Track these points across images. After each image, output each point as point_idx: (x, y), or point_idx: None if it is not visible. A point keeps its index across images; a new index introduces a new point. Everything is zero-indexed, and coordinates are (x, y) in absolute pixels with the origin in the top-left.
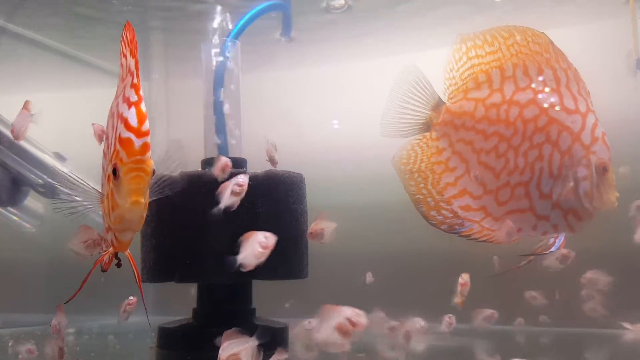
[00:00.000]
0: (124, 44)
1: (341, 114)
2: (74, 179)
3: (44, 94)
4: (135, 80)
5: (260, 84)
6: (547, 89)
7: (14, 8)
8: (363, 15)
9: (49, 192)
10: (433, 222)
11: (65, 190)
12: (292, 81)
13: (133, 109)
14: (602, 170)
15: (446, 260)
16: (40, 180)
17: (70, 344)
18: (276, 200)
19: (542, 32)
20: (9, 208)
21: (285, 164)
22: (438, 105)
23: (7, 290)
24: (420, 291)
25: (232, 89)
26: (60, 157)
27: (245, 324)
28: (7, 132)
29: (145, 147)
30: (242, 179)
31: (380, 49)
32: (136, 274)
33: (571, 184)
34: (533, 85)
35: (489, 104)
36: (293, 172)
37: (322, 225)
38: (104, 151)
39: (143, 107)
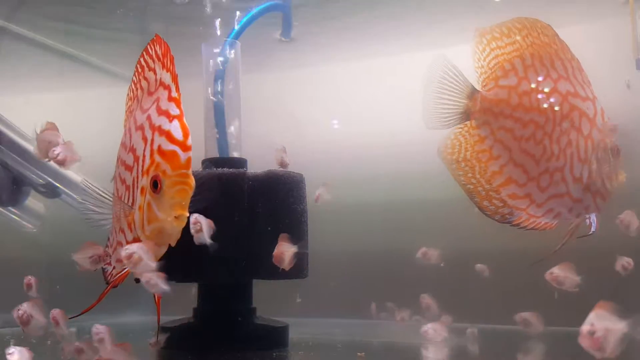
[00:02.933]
0: (151, 58)
1: (341, 114)
2: (101, 193)
3: (45, 94)
4: (174, 94)
5: (261, 84)
6: (562, 78)
7: (15, 8)
8: (363, 15)
9: (49, 192)
10: (487, 212)
11: (92, 205)
12: (292, 81)
13: (176, 123)
14: (616, 152)
15: (447, 260)
16: (41, 180)
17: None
18: (276, 200)
19: (548, 24)
20: (10, 208)
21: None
22: (473, 93)
23: (8, 290)
24: (420, 290)
25: (232, 89)
26: None
27: (246, 323)
28: (8, 132)
29: (189, 162)
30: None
31: (381, 49)
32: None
33: (595, 167)
34: (551, 74)
35: (521, 92)
36: (293, 172)
37: (282, 249)
38: (125, 164)
39: (185, 121)
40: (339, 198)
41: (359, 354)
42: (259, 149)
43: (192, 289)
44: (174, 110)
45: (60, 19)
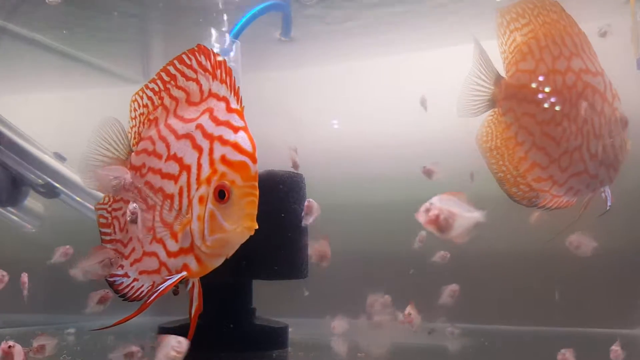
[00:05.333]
0: (190, 68)
1: (341, 114)
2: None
3: (44, 94)
4: (234, 105)
5: (260, 83)
6: (574, 55)
7: (14, 8)
8: (362, 15)
9: (48, 192)
10: (516, 198)
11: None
12: (292, 81)
13: (243, 134)
14: (625, 124)
15: (435, 260)
16: (40, 181)
17: (70, 344)
18: (276, 200)
19: (555, 0)
20: (9, 208)
21: (285, 164)
22: (498, 79)
23: (8, 290)
24: (419, 291)
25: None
26: (59, 157)
27: (245, 323)
28: (7, 132)
29: (257, 174)
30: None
31: (380, 49)
32: (196, 306)
33: (608, 141)
34: (564, 53)
35: (540, 75)
36: (293, 172)
37: (325, 248)
38: (162, 172)
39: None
40: (339, 198)
41: (359, 354)
42: (259, 148)
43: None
44: (237, 122)
45: (59, 19)
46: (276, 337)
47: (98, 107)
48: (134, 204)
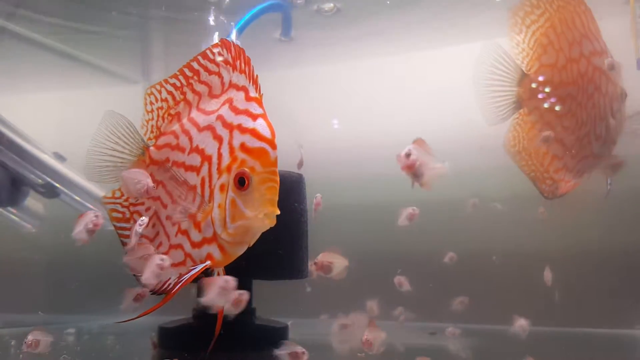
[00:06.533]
0: (213, 62)
1: (341, 114)
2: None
3: (44, 94)
4: (253, 94)
5: (260, 83)
6: (584, 37)
7: (14, 8)
8: (361, 16)
9: (48, 192)
10: (546, 195)
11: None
12: (292, 81)
13: (261, 121)
14: (624, 98)
15: (444, 261)
16: (40, 180)
17: (70, 344)
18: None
19: None
20: (9, 208)
21: (285, 164)
22: (522, 79)
23: (7, 290)
24: (418, 292)
25: None
26: (59, 157)
27: (245, 323)
28: (7, 132)
29: (277, 160)
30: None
31: (380, 49)
32: None
33: (611, 120)
34: (575, 37)
35: (560, 67)
36: (293, 172)
37: (330, 259)
38: (185, 165)
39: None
40: (339, 198)
41: (359, 354)
42: None
43: (192, 289)
44: (256, 110)
45: (59, 18)
46: (276, 337)
47: (98, 107)
48: (144, 218)
